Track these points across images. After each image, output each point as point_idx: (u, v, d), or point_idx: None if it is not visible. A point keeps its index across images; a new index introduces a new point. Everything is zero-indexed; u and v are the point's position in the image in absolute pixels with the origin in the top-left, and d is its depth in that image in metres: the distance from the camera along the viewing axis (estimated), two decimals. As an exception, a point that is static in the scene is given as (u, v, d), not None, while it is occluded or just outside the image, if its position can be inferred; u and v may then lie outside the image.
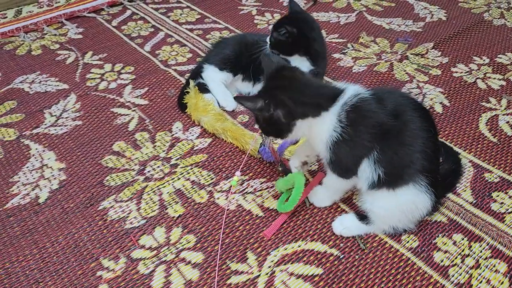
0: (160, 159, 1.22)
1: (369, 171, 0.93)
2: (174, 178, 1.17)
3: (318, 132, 0.93)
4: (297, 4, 1.40)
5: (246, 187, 1.14)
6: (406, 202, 0.95)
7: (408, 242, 1.01)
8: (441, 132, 1.31)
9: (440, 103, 1.42)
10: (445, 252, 0.99)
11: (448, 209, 1.08)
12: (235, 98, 1.01)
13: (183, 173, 1.18)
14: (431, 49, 1.69)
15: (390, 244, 1.00)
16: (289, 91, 0.92)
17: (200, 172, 1.18)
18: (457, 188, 1.13)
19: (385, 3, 2.04)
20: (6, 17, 1.91)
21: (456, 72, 1.57)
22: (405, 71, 1.57)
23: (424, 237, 1.02)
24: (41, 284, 0.93)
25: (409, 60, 1.63)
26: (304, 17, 1.37)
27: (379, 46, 1.72)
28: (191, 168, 1.20)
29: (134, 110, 1.40)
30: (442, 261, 0.97)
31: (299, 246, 1.00)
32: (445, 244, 1.01)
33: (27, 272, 0.95)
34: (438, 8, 1.99)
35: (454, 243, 1.01)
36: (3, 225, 1.05)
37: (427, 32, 1.81)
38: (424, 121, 0.93)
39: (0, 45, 1.74)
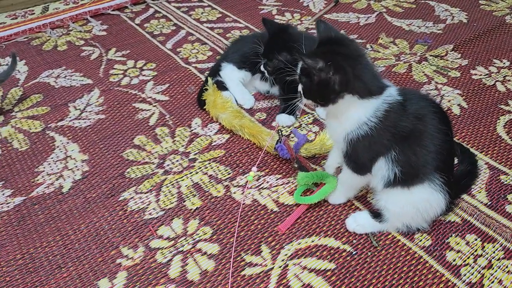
0: (179, 153, 1.26)
1: (385, 170, 0.95)
2: (192, 172, 1.20)
3: (349, 117, 0.92)
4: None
5: (262, 183, 1.17)
6: (421, 201, 0.96)
7: (421, 240, 1.02)
8: (458, 134, 1.31)
9: (458, 104, 1.42)
10: (458, 251, 1.00)
11: (462, 210, 1.09)
12: (298, 53, 0.98)
13: (201, 167, 1.21)
14: (450, 51, 1.69)
15: (402, 242, 1.01)
16: (351, 61, 0.89)
17: (218, 167, 1.21)
18: (472, 189, 1.13)
19: (406, 5, 2.04)
20: (34, 13, 1.97)
21: (475, 74, 1.57)
22: (423, 72, 1.57)
23: (437, 236, 1.03)
24: (63, 269, 0.97)
25: (428, 62, 1.63)
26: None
27: (398, 47, 1.72)
28: (209, 163, 1.22)
29: (155, 106, 1.43)
30: (454, 260, 0.98)
31: (313, 241, 1.02)
32: (458, 244, 1.01)
33: (50, 257, 0.99)
34: (459, 10, 1.98)
35: (467, 243, 1.01)
36: (28, 212, 1.10)
37: (447, 34, 1.80)
38: (442, 123, 0.94)
39: (27, 40, 1.79)
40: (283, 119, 1.35)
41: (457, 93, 1.47)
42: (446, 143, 0.94)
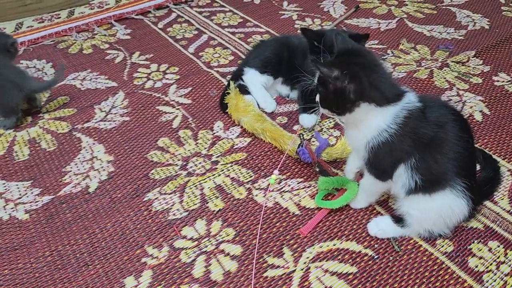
0: (202, 155, 1.28)
1: (405, 177, 0.95)
2: (215, 174, 1.22)
3: (369, 125, 0.93)
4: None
5: (284, 186, 1.18)
6: (443, 206, 0.96)
7: (443, 246, 1.02)
8: (480, 140, 1.31)
9: (480, 111, 1.42)
10: (480, 258, 1.00)
11: (485, 216, 1.08)
12: (312, 60, 1.04)
13: (223, 170, 1.23)
14: (472, 57, 1.68)
15: (424, 248, 1.02)
16: (367, 71, 0.91)
17: (240, 170, 1.23)
18: (495, 196, 1.13)
19: (427, 10, 2.04)
20: (60, 17, 2.02)
21: (498, 81, 1.56)
22: (445, 78, 1.57)
23: (459, 243, 1.03)
24: (90, 267, 0.99)
25: (449, 68, 1.63)
26: None
27: (419, 53, 1.72)
28: (231, 166, 1.24)
29: (178, 109, 1.46)
30: (476, 266, 0.98)
31: (334, 245, 1.03)
32: (480, 250, 1.01)
33: (78, 255, 1.02)
34: (481, 17, 1.97)
35: (490, 250, 1.01)
36: (57, 211, 1.13)
37: (468, 40, 1.80)
38: (463, 131, 0.94)
39: (54, 43, 1.84)
40: (305, 120, 1.36)
41: (479, 100, 1.47)
42: (467, 150, 0.95)
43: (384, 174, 0.99)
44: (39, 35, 1.87)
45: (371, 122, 0.93)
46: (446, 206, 0.96)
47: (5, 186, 1.19)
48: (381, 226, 1.05)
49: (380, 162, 0.97)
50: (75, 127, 1.39)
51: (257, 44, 1.57)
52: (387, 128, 0.92)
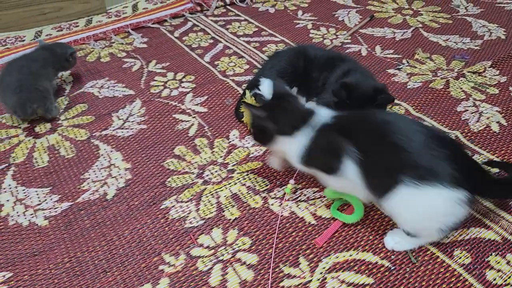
0: (218, 164, 1.29)
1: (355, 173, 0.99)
2: (231, 182, 1.23)
3: (291, 148, 1.08)
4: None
5: (299, 195, 1.18)
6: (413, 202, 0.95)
7: (460, 258, 1.01)
8: (497, 152, 1.30)
9: (497, 122, 1.41)
10: (498, 271, 0.99)
11: (503, 228, 1.08)
12: (243, 102, 1.25)
13: (239, 178, 1.24)
14: (488, 67, 1.67)
15: (442, 259, 1.01)
16: (282, 112, 1.09)
17: (256, 179, 1.24)
18: (513, 208, 1.12)
19: (442, 20, 2.03)
20: (78, 25, 2.06)
21: (515, 91, 1.55)
22: (461, 88, 1.57)
23: (477, 255, 1.02)
24: (108, 273, 1.00)
25: (465, 78, 1.62)
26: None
27: (435, 63, 1.72)
28: (247, 174, 1.25)
29: (194, 117, 1.47)
30: (494, 279, 0.97)
31: (351, 256, 1.03)
32: (498, 263, 1.00)
33: (96, 262, 1.03)
34: (497, 26, 1.96)
35: (508, 262, 1.01)
36: (75, 217, 1.14)
37: (485, 50, 1.79)
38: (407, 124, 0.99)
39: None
40: None
41: (496, 111, 1.46)
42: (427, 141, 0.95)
43: (330, 168, 1.03)
44: (58, 43, 1.90)
45: (291, 146, 1.08)
46: (423, 201, 0.94)
47: (25, 193, 1.21)
48: (397, 239, 1.04)
49: (317, 164, 1.07)
50: (93, 134, 1.41)
51: (273, 54, 1.58)
52: (305, 145, 1.05)
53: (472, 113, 1.45)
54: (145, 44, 1.92)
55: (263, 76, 1.48)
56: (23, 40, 1.94)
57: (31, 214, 1.15)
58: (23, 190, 1.22)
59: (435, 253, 1.03)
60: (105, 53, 1.86)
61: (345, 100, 1.26)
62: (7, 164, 1.30)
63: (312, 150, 1.04)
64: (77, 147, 1.36)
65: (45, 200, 1.19)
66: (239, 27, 2.04)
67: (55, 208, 1.17)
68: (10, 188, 1.23)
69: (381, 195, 0.98)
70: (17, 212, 1.16)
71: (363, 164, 0.98)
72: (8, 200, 1.19)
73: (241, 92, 1.55)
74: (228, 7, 2.23)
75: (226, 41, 1.92)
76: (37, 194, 1.21)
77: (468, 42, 1.85)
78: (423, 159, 0.94)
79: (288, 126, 1.07)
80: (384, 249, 1.04)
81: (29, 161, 1.31)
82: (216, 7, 2.21)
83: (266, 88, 1.27)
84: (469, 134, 1.37)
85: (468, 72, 1.65)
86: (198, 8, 2.18)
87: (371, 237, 1.07)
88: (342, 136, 1.00)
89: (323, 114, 1.07)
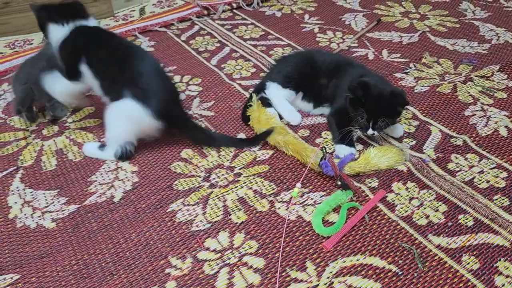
0: (225, 167, 1.29)
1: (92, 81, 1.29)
2: (237, 186, 1.23)
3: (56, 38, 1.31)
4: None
5: (306, 199, 1.18)
6: (121, 112, 1.24)
7: (468, 263, 1.01)
8: (505, 156, 1.29)
9: (505, 126, 1.40)
10: (507, 276, 0.98)
11: (511, 233, 1.07)
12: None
13: (246, 182, 1.24)
14: (496, 71, 1.67)
15: (449, 265, 1.01)
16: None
17: (262, 182, 1.24)
18: (522, 214, 1.12)
19: (449, 24, 2.03)
20: (86, 29, 2.07)
21: (523, 96, 1.54)
22: (469, 93, 1.56)
23: (486, 260, 1.01)
24: (115, 276, 1.00)
25: (473, 82, 1.61)
26: None
27: (442, 67, 1.71)
28: (254, 178, 1.25)
29: (201, 121, 1.48)
30: (503, 285, 0.96)
31: (358, 260, 1.02)
32: (507, 268, 1.00)
33: (103, 264, 1.03)
34: (505, 31, 1.96)
35: (517, 268, 1.00)
36: (82, 220, 1.15)
37: (492, 54, 1.78)
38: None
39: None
40: (344, 152, 1.30)
41: (504, 115, 1.45)
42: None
43: (68, 74, 1.30)
44: (65, 46, 1.91)
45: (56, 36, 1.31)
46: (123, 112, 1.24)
47: (32, 195, 1.22)
48: (88, 149, 1.34)
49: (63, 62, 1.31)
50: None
51: (280, 59, 1.58)
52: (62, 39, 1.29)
53: (480, 117, 1.45)
54: (152, 48, 1.92)
55: (269, 80, 1.48)
56: (31, 44, 1.96)
57: (39, 217, 1.16)
58: (31, 192, 1.23)
59: (443, 259, 1.02)
60: (113, 56, 1.86)
61: (360, 98, 1.26)
62: (15, 167, 1.31)
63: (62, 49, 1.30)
64: (85, 150, 1.37)
65: (53, 202, 1.20)
66: (245, 30, 2.05)
67: (62, 211, 1.17)
68: (18, 190, 1.24)
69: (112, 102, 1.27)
70: (25, 214, 1.16)
71: (101, 74, 1.27)
72: (16, 202, 1.20)
73: (248, 95, 1.55)
74: (234, 11, 2.24)
75: (233, 45, 1.93)
76: (45, 197, 1.21)
77: (475, 46, 1.84)
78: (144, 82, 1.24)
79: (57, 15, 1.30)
80: (391, 254, 1.03)
81: (37, 165, 1.32)
82: (223, 11, 2.22)
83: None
84: (477, 138, 1.36)
85: (476, 76, 1.65)
86: (205, 12, 2.19)
87: (378, 242, 1.06)
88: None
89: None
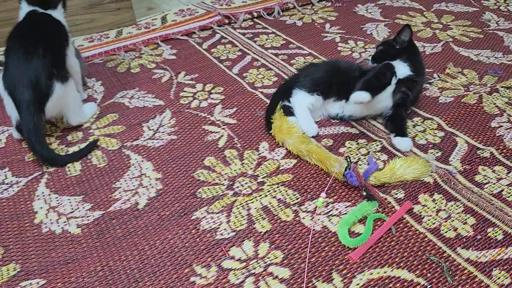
0: (248, 176, 1.29)
1: None
2: (261, 195, 1.22)
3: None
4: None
5: (331, 210, 1.17)
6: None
7: (499, 278, 0.98)
8: (534, 169, 1.27)
9: (533, 138, 1.38)
10: (540, 293, 0.96)
11: (544, 249, 1.04)
12: None
13: (269, 190, 1.23)
14: (522, 82, 1.64)
15: (480, 279, 0.98)
16: None
17: (286, 191, 1.23)
18: (553, 228, 1.09)
19: (473, 34, 2.01)
20: (109, 37, 2.09)
21: (551, 107, 1.52)
22: (495, 104, 1.54)
23: (517, 275, 0.99)
24: (140, 283, 1.00)
25: (499, 93, 1.59)
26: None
27: (467, 77, 1.69)
28: (277, 187, 1.24)
29: (223, 129, 1.48)
30: (536, 301, 0.94)
31: (385, 272, 1.01)
32: (540, 284, 0.97)
33: (128, 271, 1.03)
34: (530, 41, 1.93)
35: (550, 284, 0.97)
36: (107, 226, 1.15)
37: (518, 65, 1.76)
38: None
39: (103, 62, 1.90)
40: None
41: (532, 127, 1.43)
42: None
43: None
44: (89, 53, 1.94)
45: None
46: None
47: (58, 200, 1.23)
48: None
49: None
50: (125, 144, 1.42)
51: (305, 66, 1.58)
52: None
53: (507, 129, 1.42)
54: (174, 56, 1.94)
55: (296, 87, 1.47)
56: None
57: (64, 222, 1.16)
58: (56, 198, 1.24)
59: (472, 272, 1.00)
60: (135, 64, 1.88)
61: (387, 81, 1.36)
62: (40, 172, 1.32)
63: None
64: (109, 156, 1.38)
65: (78, 208, 1.20)
66: (266, 39, 2.05)
67: (87, 217, 1.18)
68: (44, 195, 1.25)
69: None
70: (50, 220, 1.17)
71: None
72: (41, 208, 1.21)
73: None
74: (255, 20, 2.25)
75: (254, 53, 1.93)
76: (70, 202, 1.22)
77: (500, 57, 1.82)
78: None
79: None
80: (419, 266, 1.02)
81: (62, 170, 1.33)
82: (244, 20, 2.23)
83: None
84: (504, 150, 1.34)
85: (502, 87, 1.62)
86: (226, 21, 2.20)
87: (405, 254, 1.05)
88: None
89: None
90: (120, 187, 1.26)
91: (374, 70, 1.42)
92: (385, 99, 1.40)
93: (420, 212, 1.15)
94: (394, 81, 1.38)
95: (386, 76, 1.37)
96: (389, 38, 1.42)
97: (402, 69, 1.40)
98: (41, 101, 1.32)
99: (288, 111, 1.46)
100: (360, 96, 1.32)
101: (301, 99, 1.45)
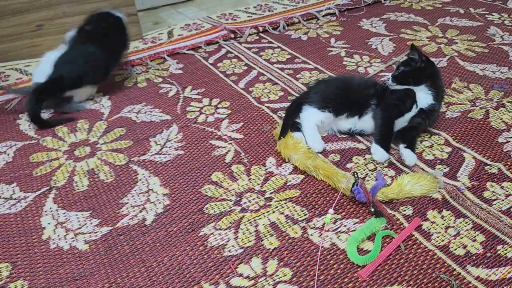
0: (255, 191, 1.28)
1: None
2: (269, 211, 1.22)
3: None
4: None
5: (340, 226, 1.17)
6: None
7: (510, 297, 0.98)
8: (543, 185, 1.26)
9: (541, 154, 1.37)
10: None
11: (555, 267, 1.03)
12: None
13: (277, 207, 1.23)
14: (529, 97, 1.64)
15: (491, 298, 0.98)
16: None
17: (294, 207, 1.23)
18: None
19: (478, 49, 2.02)
20: (116, 51, 2.11)
21: (558, 123, 1.51)
22: (501, 119, 1.54)
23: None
24: (148, 301, 1.00)
25: (505, 108, 1.59)
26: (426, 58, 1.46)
27: (473, 92, 1.70)
28: (285, 203, 1.24)
29: (230, 143, 1.48)
30: (549, 321, 0.93)
31: (395, 290, 1.00)
32: (552, 303, 0.96)
33: (136, 288, 1.03)
34: (535, 56, 1.94)
35: (562, 303, 0.96)
36: (115, 242, 1.15)
37: (524, 80, 1.76)
38: None
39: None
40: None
41: (540, 142, 1.43)
42: None
43: None
44: (96, 68, 1.95)
45: None
46: None
47: (65, 216, 1.23)
48: None
49: None
50: (132, 159, 1.43)
51: (317, 83, 1.58)
52: None
53: (514, 144, 1.42)
54: (180, 70, 1.95)
55: (307, 103, 1.47)
56: (63, 65, 1.99)
57: (72, 238, 1.16)
58: (64, 213, 1.24)
59: (483, 291, 0.99)
60: (142, 78, 1.90)
61: (407, 110, 1.40)
62: (48, 187, 1.33)
63: None
64: (116, 171, 1.38)
65: (85, 224, 1.20)
66: (272, 54, 2.06)
67: (95, 233, 1.18)
68: (52, 211, 1.25)
69: None
70: (58, 236, 1.17)
71: None
72: (49, 223, 1.21)
73: (276, 119, 1.56)
74: (261, 34, 2.26)
75: (260, 68, 1.94)
76: (78, 218, 1.22)
77: (506, 72, 1.82)
78: None
79: None
80: (429, 285, 1.01)
81: (70, 185, 1.33)
82: (249, 34, 2.25)
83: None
84: (512, 166, 1.34)
85: (508, 102, 1.63)
86: (232, 35, 2.22)
87: (415, 272, 1.04)
88: None
89: None
90: (127, 203, 1.26)
91: (395, 96, 1.41)
92: (401, 123, 1.42)
93: (429, 229, 1.14)
94: (414, 109, 1.39)
95: (406, 105, 1.38)
96: (404, 58, 1.40)
97: (424, 97, 1.40)
98: None
99: (295, 127, 1.46)
100: (378, 156, 1.36)
101: (310, 115, 1.45)
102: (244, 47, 2.14)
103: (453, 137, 1.46)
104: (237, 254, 1.10)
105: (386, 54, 2.01)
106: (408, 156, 1.35)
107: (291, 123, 1.45)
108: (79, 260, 1.10)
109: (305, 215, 1.20)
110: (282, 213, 1.21)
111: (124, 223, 1.20)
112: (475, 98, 1.66)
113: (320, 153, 1.42)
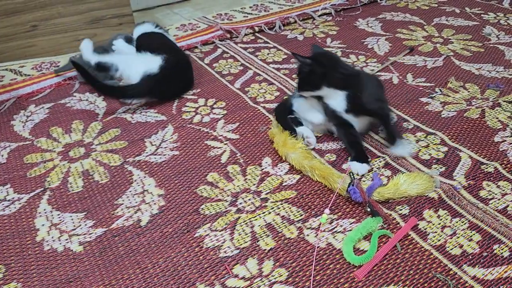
0: (251, 192, 1.28)
1: None
2: (265, 212, 1.21)
3: None
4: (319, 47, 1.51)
5: (336, 226, 1.16)
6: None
7: (507, 297, 0.97)
8: (539, 184, 1.26)
9: (537, 153, 1.37)
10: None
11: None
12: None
13: (273, 207, 1.22)
14: (525, 97, 1.64)
15: (487, 297, 0.97)
16: None
17: (290, 208, 1.22)
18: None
19: (474, 48, 2.02)
20: (111, 52, 2.10)
21: (554, 122, 1.51)
22: (497, 118, 1.54)
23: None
24: (143, 303, 0.99)
25: (501, 108, 1.59)
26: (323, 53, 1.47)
27: (469, 91, 1.69)
28: (281, 203, 1.24)
29: (226, 144, 1.47)
30: (545, 321, 0.93)
31: (391, 290, 1.00)
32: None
33: (130, 290, 1.02)
34: (531, 55, 1.94)
35: (559, 303, 0.96)
36: (109, 244, 1.14)
37: (519, 79, 1.76)
38: None
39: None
40: (359, 169, 1.32)
41: (535, 141, 1.42)
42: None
43: None
44: (91, 69, 1.94)
45: None
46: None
47: (60, 217, 1.22)
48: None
49: None
50: (127, 160, 1.42)
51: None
52: None
53: (511, 143, 1.42)
54: (176, 70, 1.94)
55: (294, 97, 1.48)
56: (58, 65, 1.99)
57: (66, 240, 1.15)
58: (58, 214, 1.23)
59: (480, 291, 0.99)
60: (137, 78, 1.88)
61: None
62: (42, 189, 1.32)
63: None
64: (111, 172, 1.37)
65: (80, 225, 1.19)
66: (268, 54, 2.06)
67: (89, 234, 1.17)
68: (46, 212, 1.24)
69: None
70: (52, 237, 1.16)
71: None
72: (43, 225, 1.20)
73: (272, 119, 1.55)
74: (257, 34, 2.26)
75: (256, 68, 1.93)
76: (72, 219, 1.21)
77: (501, 71, 1.82)
78: None
79: None
80: (426, 285, 1.00)
81: (64, 186, 1.32)
82: (245, 34, 2.24)
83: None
84: (508, 165, 1.33)
85: (504, 101, 1.62)
86: (228, 35, 2.21)
87: (411, 272, 1.03)
88: None
89: None
90: (122, 204, 1.26)
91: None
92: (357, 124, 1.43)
93: (425, 229, 1.14)
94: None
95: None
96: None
97: (339, 101, 1.40)
98: None
99: (297, 121, 1.46)
100: (359, 171, 1.33)
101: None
102: (240, 47, 2.13)
103: (449, 136, 1.46)
104: (233, 255, 1.09)
105: (382, 54, 2.01)
106: (403, 148, 1.36)
107: (284, 115, 1.47)
108: (73, 262, 1.09)
109: (301, 215, 1.20)
110: (278, 214, 1.21)
111: (119, 224, 1.19)
112: (471, 97, 1.66)
113: (317, 151, 1.41)
